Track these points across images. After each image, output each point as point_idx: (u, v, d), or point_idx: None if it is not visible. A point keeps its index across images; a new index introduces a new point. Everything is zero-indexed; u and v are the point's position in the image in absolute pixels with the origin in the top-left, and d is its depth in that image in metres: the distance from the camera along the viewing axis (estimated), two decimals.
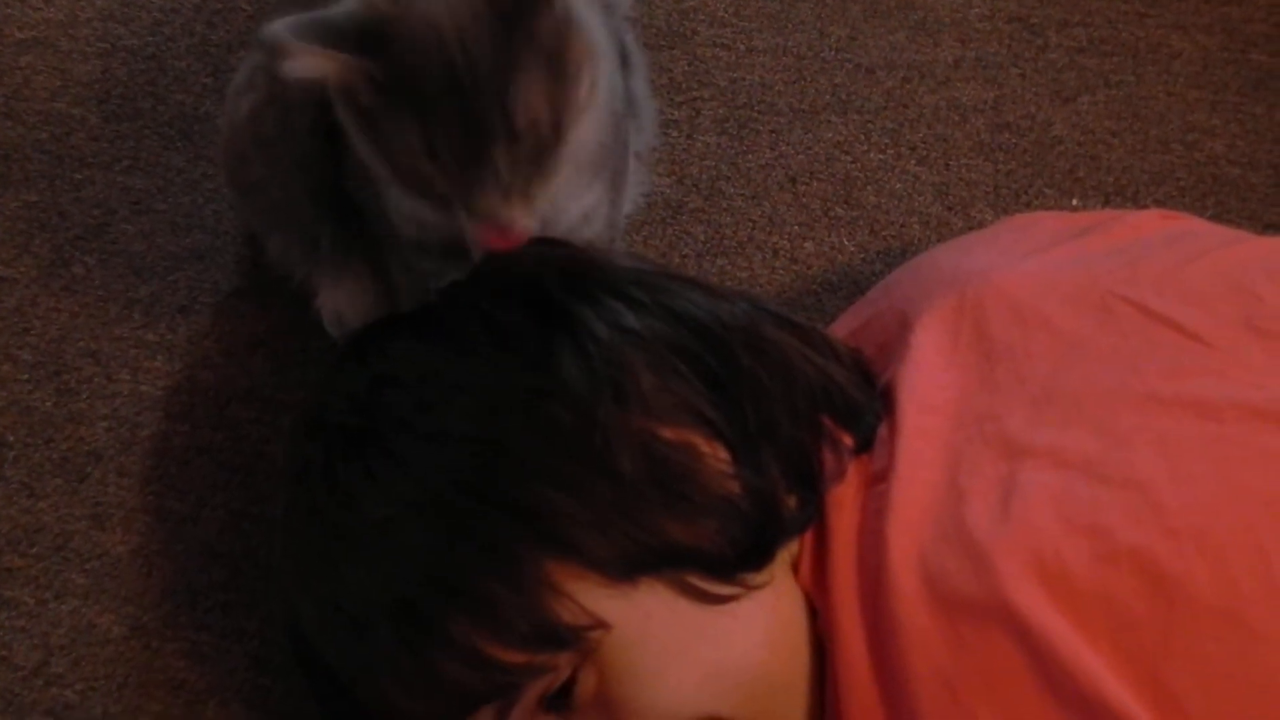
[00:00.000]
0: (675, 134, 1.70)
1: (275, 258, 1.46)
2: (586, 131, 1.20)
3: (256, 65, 1.38)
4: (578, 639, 1.05)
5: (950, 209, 1.67)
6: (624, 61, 1.36)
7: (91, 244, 1.59)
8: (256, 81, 1.36)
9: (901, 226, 1.65)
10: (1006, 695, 1.00)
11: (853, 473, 1.15)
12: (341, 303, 1.45)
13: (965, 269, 1.28)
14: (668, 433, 1.12)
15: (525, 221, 1.14)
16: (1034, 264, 1.26)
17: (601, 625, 1.06)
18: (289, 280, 1.45)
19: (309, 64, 1.09)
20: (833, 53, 1.79)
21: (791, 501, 1.14)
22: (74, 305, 1.55)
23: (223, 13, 1.76)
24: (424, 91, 1.09)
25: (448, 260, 1.26)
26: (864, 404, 1.19)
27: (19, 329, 1.53)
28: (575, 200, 1.26)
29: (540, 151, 1.14)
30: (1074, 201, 1.68)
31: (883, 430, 1.17)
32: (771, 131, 1.72)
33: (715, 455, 1.12)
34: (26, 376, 1.51)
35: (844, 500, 1.14)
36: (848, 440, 1.17)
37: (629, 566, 1.07)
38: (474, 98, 1.10)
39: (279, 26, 1.07)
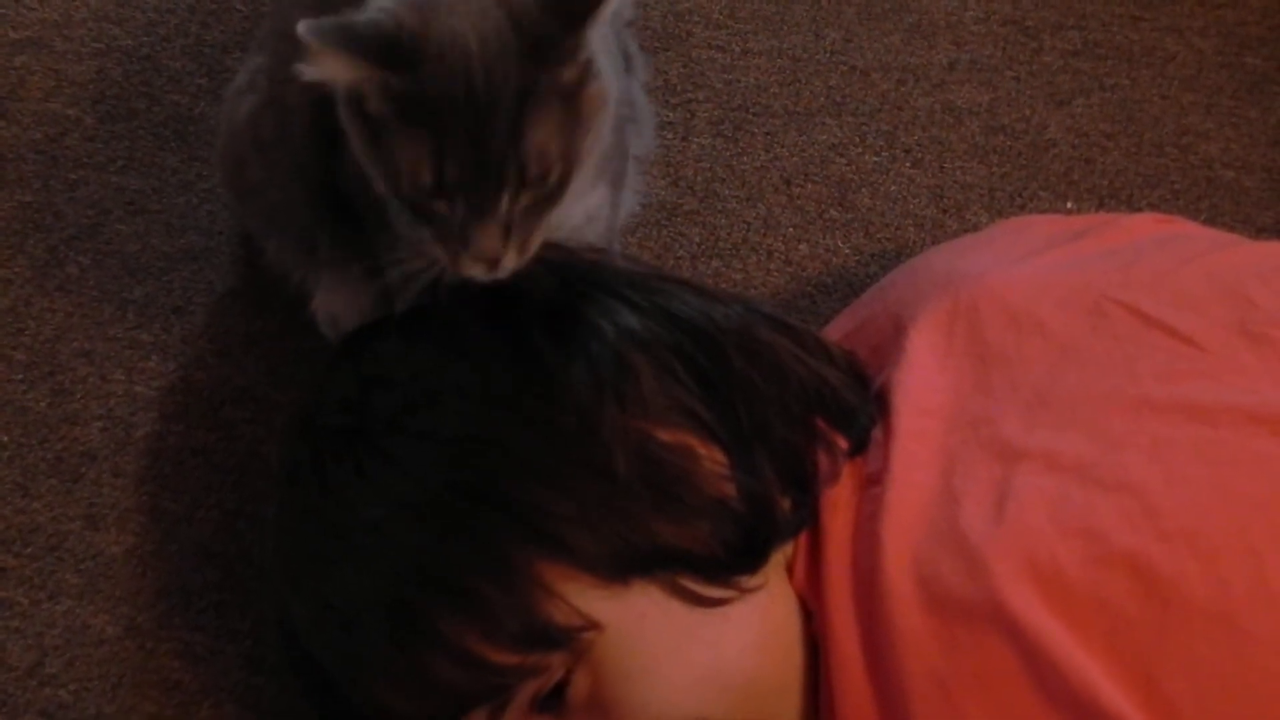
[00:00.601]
0: (670, 136, 1.70)
1: (272, 260, 1.45)
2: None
3: (257, 67, 1.38)
4: (569, 639, 1.06)
5: (945, 212, 1.67)
6: (627, 65, 1.36)
7: (86, 244, 1.59)
8: (256, 83, 1.36)
9: (896, 229, 1.65)
10: (1000, 697, 1.00)
11: (847, 475, 1.16)
12: (337, 305, 1.44)
13: (960, 272, 1.28)
14: (664, 435, 1.12)
15: (514, 264, 1.12)
16: (1028, 267, 1.26)
17: (594, 626, 1.06)
18: (285, 282, 1.44)
19: (327, 67, 1.08)
20: (828, 55, 1.79)
21: (786, 504, 1.14)
22: (68, 305, 1.55)
23: (217, 13, 1.76)
24: (442, 114, 1.07)
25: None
26: (857, 406, 1.19)
27: (13, 329, 1.53)
28: (580, 201, 1.26)
29: (545, 199, 1.12)
30: (1069, 205, 1.68)
31: (877, 433, 1.17)
32: (766, 134, 1.72)
33: (711, 457, 1.13)
34: (21, 377, 1.51)
35: (838, 502, 1.14)
36: (842, 442, 1.17)
37: (621, 567, 1.07)
38: (492, 133, 1.07)
39: (302, 27, 1.06)
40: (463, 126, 1.07)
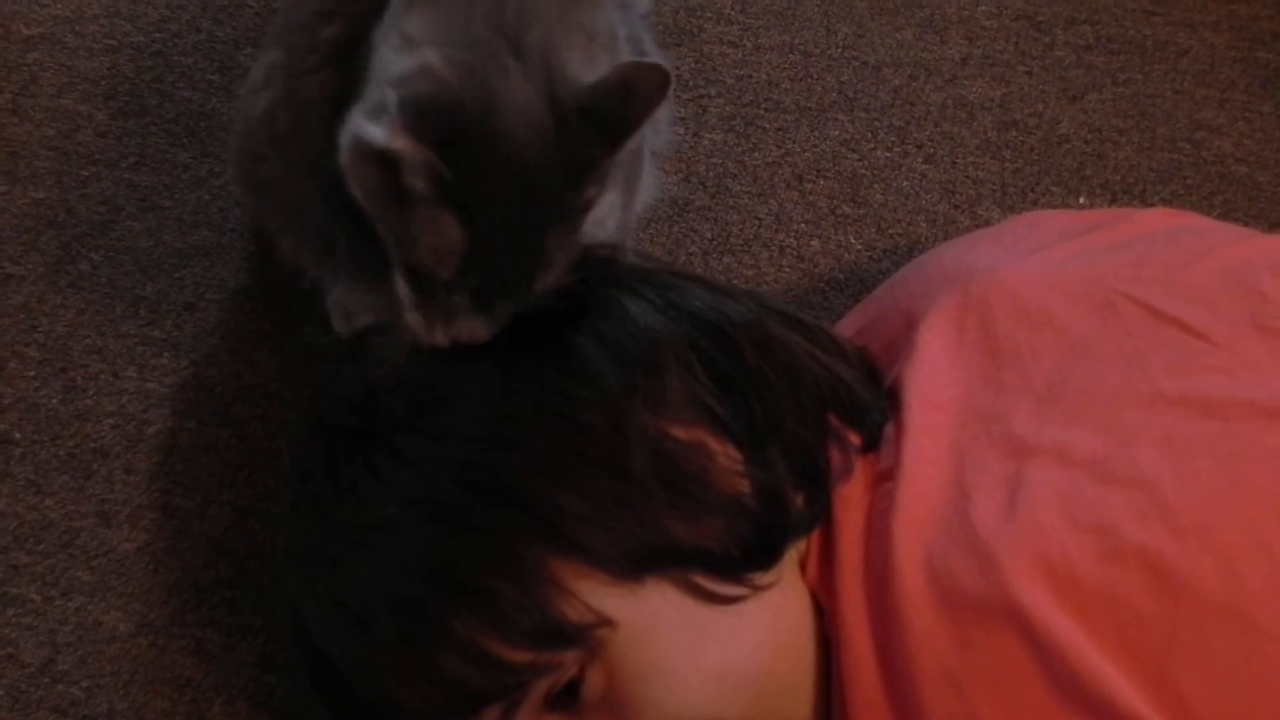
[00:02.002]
0: (682, 131, 1.70)
1: (286, 256, 1.45)
2: None
3: (271, 63, 1.38)
4: (583, 637, 1.05)
5: (957, 207, 1.67)
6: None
7: (98, 241, 1.59)
8: (272, 80, 1.36)
9: (908, 224, 1.65)
10: (1012, 693, 1.00)
11: (860, 471, 1.15)
12: (352, 302, 1.44)
13: (971, 267, 1.28)
14: (679, 431, 1.12)
15: (486, 337, 1.14)
16: (1039, 261, 1.26)
17: (607, 623, 1.06)
18: (299, 278, 1.44)
19: (388, 139, 1.06)
20: (839, 50, 1.79)
21: (799, 500, 1.14)
22: (80, 302, 1.55)
23: (229, 9, 1.76)
24: (480, 216, 1.07)
25: None
26: (870, 402, 1.19)
27: (25, 326, 1.53)
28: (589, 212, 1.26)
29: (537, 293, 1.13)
30: (1080, 200, 1.67)
31: (889, 429, 1.17)
32: (778, 129, 1.71)
33: (725, 454, 1.12)
34: (33, 373, 1.51)
35: (851, 498, 1.14)
36: (854, 438, 1.17)
37: (634, 565, 1.07)
38: (518, 251, 1.08)
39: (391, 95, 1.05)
40: (496, 235, 1.08)
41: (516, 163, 1.07)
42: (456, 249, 1.08)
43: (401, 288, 1.14)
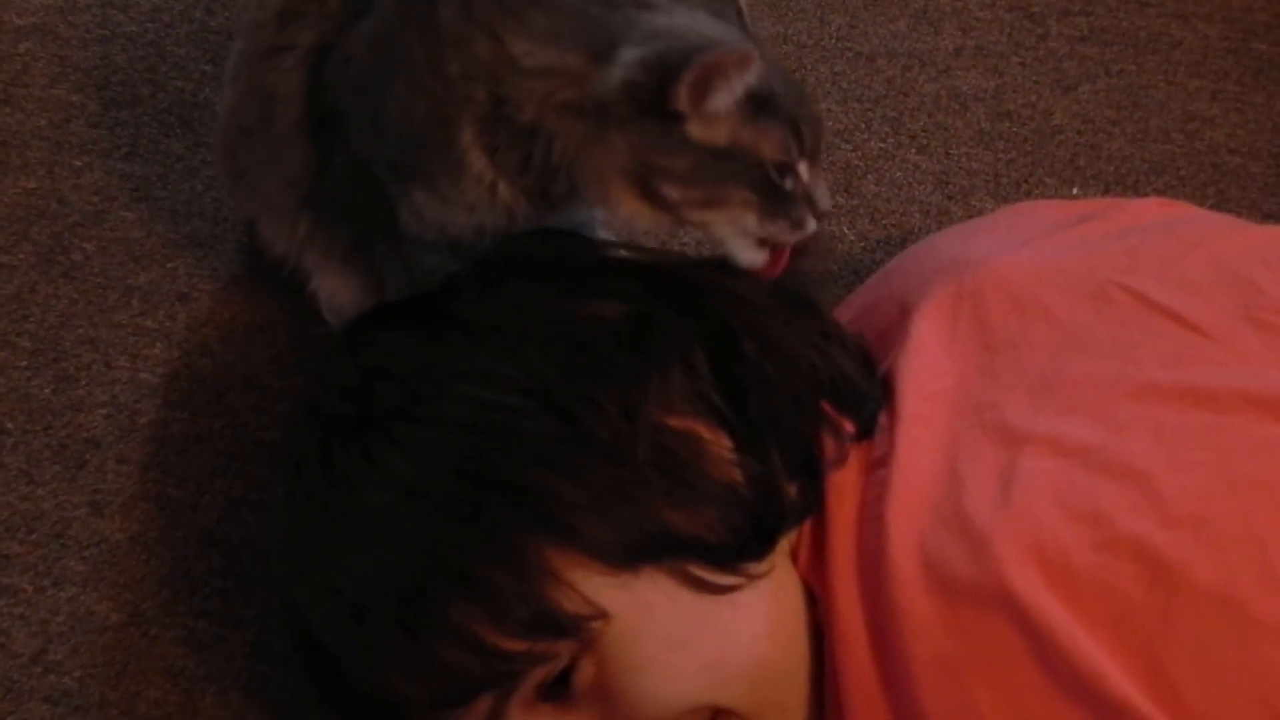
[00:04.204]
0: None
1: (264, 243, 1.46)
2: None
3: (240, 53, 1.38)
4: (578, 628, 1.05)
5: (950, 198, 1.66)
6: None
7: (90, 231, 1.59)
8: (240, 71, 1.37)
9: (902, 215, 1.65)
10: (1006, 680, 1.00)
11: (853, 459, 1.15)
12: (333, 291, 1.44)
13: (964, 257, 1.28)
14: (673, 421, 1.12)
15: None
16: (1033, 251, 1.26)
17: (602, 616, 1.06)
18: (280, 266, 1.44)
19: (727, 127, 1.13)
20: (833, 41, 1.79)
21: (793, 490, 1.14)
22: (73, 292, 1.55)
23: None
24: (776, 98, 1.13)
25: (449, 254, 1.26)
26: (866, 391, 1.19)
27: (18, 316, 1.53)
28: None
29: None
30: (1074, 190, 1.67)
31: (883, 418, 1.17)
32: None
33: (718, 442, 1.12)
34: (25, 363, 1.51)
35: (844, 486, 1.14)
36: (848, 427, 1.17)
37: (630, 554, 1.07)
38: (802, 93, 1.19)
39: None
40: (790, 100, 1.15)
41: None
42: (786, 133, 1.14)
43: (760, 220, 1.17)
